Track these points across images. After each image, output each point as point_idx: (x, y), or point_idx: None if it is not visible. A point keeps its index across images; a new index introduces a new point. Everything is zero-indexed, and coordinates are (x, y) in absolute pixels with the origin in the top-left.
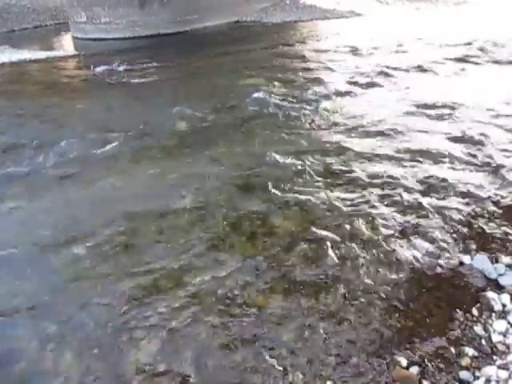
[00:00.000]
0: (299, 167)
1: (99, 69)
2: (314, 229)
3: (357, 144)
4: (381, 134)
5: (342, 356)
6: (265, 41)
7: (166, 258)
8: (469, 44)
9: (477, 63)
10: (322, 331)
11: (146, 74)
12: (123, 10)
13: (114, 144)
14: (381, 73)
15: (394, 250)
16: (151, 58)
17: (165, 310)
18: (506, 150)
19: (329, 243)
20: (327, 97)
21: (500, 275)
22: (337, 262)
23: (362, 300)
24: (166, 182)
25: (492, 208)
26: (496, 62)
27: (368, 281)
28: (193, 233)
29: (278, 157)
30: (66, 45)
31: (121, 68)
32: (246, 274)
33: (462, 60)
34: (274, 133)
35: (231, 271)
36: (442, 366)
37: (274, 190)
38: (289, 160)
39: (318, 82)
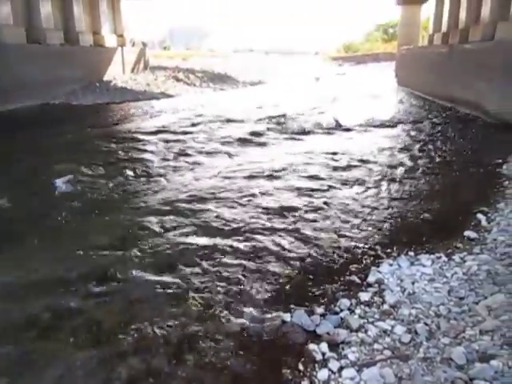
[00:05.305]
0: (119, 255)
1: None
2: (141, 316)
3: (176, 219)
4: (200, 210)
5: None
6: (76, 123)
7: None
8: (261, 117)
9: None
10: None
11: None
12: None
13: None
14: (191, 150)
15: (224, 323)
16: None
17: None
18: (306, 214)
19: (157, 330)
20: (144, 176)
21: (317, 326)
22: (168, 348)
23: None
24: None
25: (302, 266)
26: (287, 132)
27: (200, 361)
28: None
29: (94, 249)
30: None
31: None
32: (69, 378)
33: (253, 134)
34: (88, 221)
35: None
36: None
37: (93, 283)
38: (107, 249)
39: (131, 162)
